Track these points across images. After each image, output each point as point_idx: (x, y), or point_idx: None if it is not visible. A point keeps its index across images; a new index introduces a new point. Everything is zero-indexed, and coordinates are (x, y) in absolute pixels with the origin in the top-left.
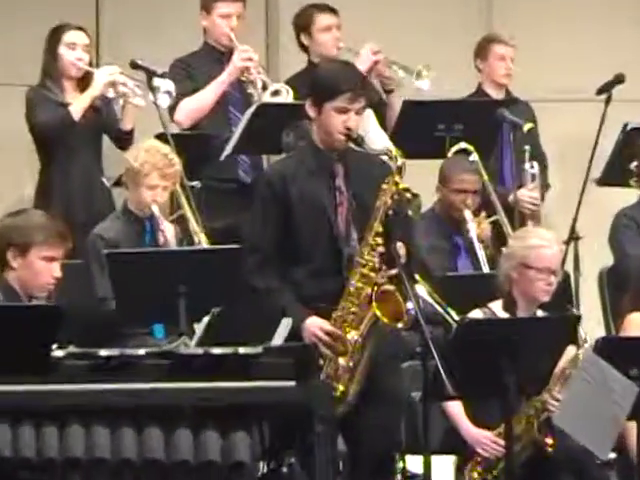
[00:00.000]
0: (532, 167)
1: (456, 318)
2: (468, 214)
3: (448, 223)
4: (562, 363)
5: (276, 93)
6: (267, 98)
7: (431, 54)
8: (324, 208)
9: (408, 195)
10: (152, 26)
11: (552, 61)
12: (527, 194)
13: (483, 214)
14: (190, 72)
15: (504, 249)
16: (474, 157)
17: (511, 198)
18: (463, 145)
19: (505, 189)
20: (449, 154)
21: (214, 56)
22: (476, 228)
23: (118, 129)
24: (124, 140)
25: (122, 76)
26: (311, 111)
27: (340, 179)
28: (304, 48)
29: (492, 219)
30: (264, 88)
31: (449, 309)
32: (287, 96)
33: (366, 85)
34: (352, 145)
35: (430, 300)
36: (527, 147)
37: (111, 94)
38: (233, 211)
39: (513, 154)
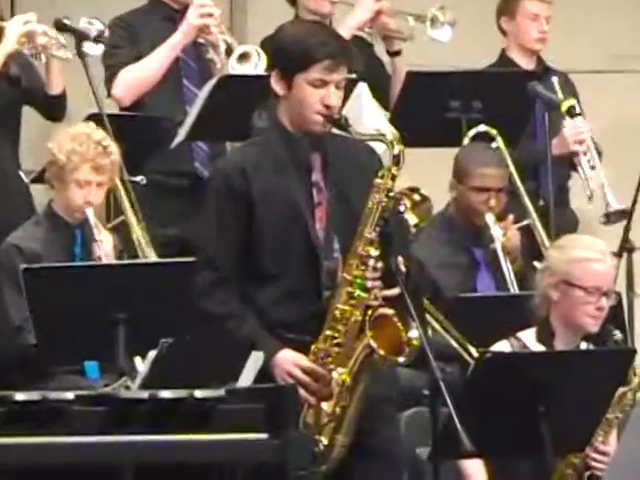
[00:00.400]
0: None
1: (475, 354)
2: (490, 218)
3: (465, 230)
4: None
5: (244, 57)
6: (233, 64)
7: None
8: (297, 210)
9: (416, 197)
10: None
11: (597, 22)
12: (571, 125)
13: (510, 218)
14: (133, 34)
15: (539, 263)
16: (497, 144)
17: (555, 142)
18: (483, 128)
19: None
20: (465, 140)
21: (164, 14)
22: (501, 236)
23: (44, 95)
24: (54, 107)
25: (41, 25)
26: (278, 86)
27: (317, 173)
28: (292, 0)
29: (521, 224)
30: (228, 52)
31: (467, 344)
32: (258, 61)
33: (348, 50)
34: (333, 129)
35: (441, 331)
36: (555, 78)
37: (28, 51)
38: (187, 214)
39: (548, 141)
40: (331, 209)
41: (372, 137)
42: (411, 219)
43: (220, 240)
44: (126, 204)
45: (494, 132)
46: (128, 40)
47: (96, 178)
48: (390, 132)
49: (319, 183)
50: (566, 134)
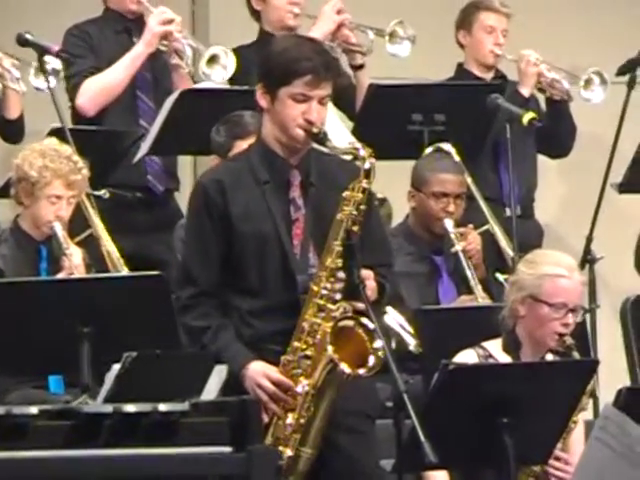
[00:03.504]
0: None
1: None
2: (449, 223)
3: (425, 239)
4: None
5: (213, 60)
6: (204, 69)
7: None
8: (274, 227)
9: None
10: None
11: (557, 33)
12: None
13: (470, 226)
14: (90, 44)
15: (501, 275)
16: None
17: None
18: (444, 146)
19: None
20: (425, 153)
21: (118, 25)
22: (461, 240)
23: (1, 118)
24: (11, 131)
25: None
26: (262, 100)
27: (295, 190)
28: (255, 14)
29: (481, 230)
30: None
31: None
32: (227, 61)
33: (332, 66)
34: (314, 144)
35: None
36: None
37: None
38: (141, 229)
39: (510, 153)
40: (309, 225)
41: (346, 150)
42: None
43: (199, 254)
44: (94, 218)
45: (451, 149)
46: (87, 49)
47: (68, 193)
48: (363, 146)
49: (296, 200)
50: (521, 66)
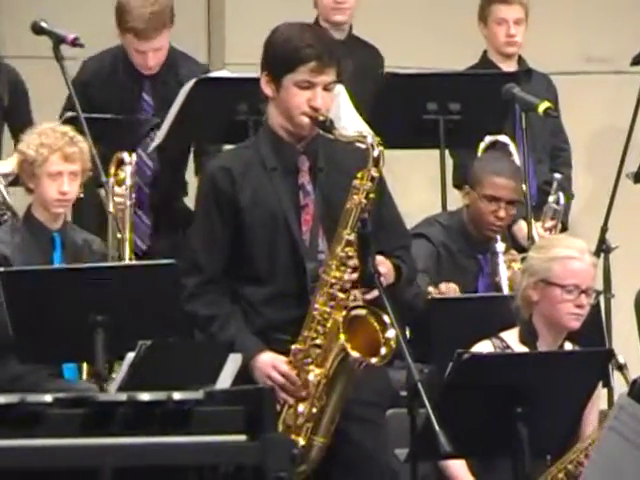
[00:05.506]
0: (557, 203)
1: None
2: (501, 247)
3: (475, 237)
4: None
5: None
6: None
7: (427, 15)
8: (282, 213)
9: None
10: None
11: (571, 22)
12: (540, 232)
13: (517, 255)
14: (87, 85)
15: (522, 265)
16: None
17: (516, 228)
18: (502, 139)
19: None
20: (481, 146)
21: (134, 74)
22: (507, 269)
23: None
24: None
25: None
26: (267, 88)
27: (304, 175)
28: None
29: (525, 255)
30: None
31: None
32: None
33: (336, 52)
34: (320, 131)
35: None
36: (557, 176)
37: None
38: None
39: (527, 145)
40: (318, 211)
41: (354, 138)
42: None
43: (207, 241)
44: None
45: (508, 140)
46: (80, 87)
47: (67, 167)
48: (371, 134)
49: (305, 186)
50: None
